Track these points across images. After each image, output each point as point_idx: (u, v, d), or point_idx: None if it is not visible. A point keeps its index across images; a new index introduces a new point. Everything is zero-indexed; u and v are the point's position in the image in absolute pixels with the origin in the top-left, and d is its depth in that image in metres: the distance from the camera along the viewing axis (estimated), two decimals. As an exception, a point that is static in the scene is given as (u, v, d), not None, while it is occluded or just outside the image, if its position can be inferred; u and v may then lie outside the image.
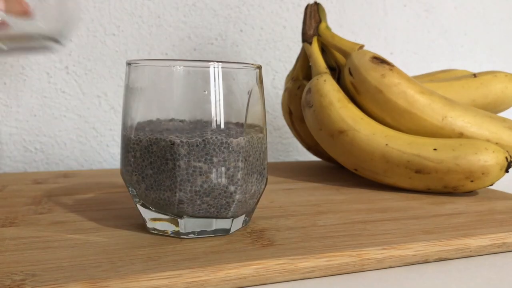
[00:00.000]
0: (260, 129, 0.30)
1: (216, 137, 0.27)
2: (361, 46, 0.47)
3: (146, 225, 0.30)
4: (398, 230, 0.31)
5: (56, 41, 0.37)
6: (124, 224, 0.31)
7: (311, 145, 0.55)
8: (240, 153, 0.28)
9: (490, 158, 0.40)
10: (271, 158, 0.71)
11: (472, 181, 0.40)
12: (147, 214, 0.29)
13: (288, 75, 0.56)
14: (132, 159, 0.28)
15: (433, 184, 0.41)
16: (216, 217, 0.28)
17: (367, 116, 0.44)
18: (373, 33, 0.76)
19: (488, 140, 0.42)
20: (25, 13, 0.37)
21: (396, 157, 0.42)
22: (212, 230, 0.29)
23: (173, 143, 0.27)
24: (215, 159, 0.27)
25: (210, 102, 0.27)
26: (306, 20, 0.51)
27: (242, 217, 0.30)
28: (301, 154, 0.72)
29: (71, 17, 0.37)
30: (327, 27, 0.51)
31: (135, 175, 0.28)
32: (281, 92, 0.70)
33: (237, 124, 0.29)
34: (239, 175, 0.28)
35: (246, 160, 0.28)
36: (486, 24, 0.83)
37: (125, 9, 0.62)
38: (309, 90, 0.47)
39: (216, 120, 0.27)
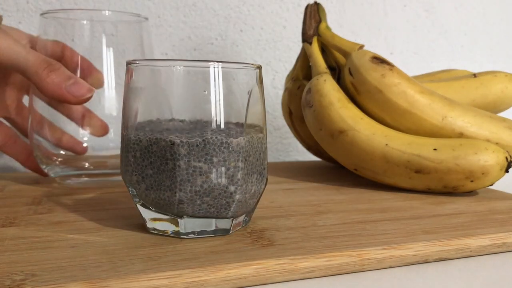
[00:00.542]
0: (260, 129, 0.30)
1: (216, 137, 0.27)
2: (361, 46, 0.47)
3: (146, 225, 0.30)
4: (398, 230, 0.31)
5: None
6: (124, 224, 0.31)
7: (311, 145, 0.55)
8: (240, 153, 0.28)
9: (490, 158, 0.40)
10: (271, 158, 0.71)
11: (472, 181, 0.40)
12: (147, 214, 0.29)
13: (288, 75, 0.56)
14: (132, 159, 0.28)
15: (433, 184, 0.41)
16: (216, 217, 0.28)
17: (367, 116, 0.44)
18: (373, 33, 0.76)
19: (488, 140, 0.42)
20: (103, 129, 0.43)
21: (396, 157, 0.42)
22: (212, 230, 0.29)
23: (173, 143, 0.27)
24: (215, 159, 0.27)
25: (210, 102, 0.27)
26: (306, 20, 0.51)
27: (242, 217, 0.30)
28: (301, 154, 0.72)
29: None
30: (327, 27, 0.51)
31: (135, 175, 0.28)
32: (281, 92, 0.70)
33: (237, 124, 0.29)
34: (239, 175, 0.28)
35: (246, 160, 0.28)
36: (486, 24, 0.83)
37: (125, 9, 0.62)
38: (309, 90, 0.47)
39: (216, 120, 0.27)
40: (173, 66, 0.28)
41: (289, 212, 0.35)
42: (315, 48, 0.50)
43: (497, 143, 0.42)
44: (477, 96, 0.49)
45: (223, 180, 0.27)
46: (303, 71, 0.54)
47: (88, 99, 0.36)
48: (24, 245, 0.27)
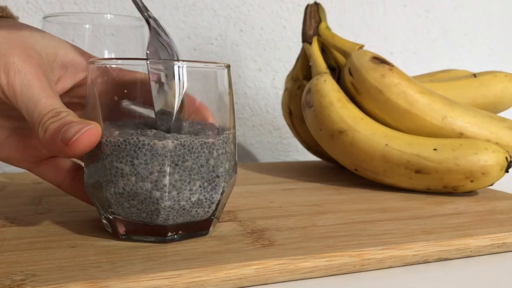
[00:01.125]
0: (218, 132, 0.28)
1: (138, 138, 0.26)
2: (361, 46, 0.47)
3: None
4: (398, 230, 0.31)
5: None
6: (124, 224, 0.31)
7: (311, 145, 0.55)
8: (167, 157, 0.26)
9: (490, 158, 0.40)
10: (271, 158, 0.71)
11: (472, 181, 0.40)
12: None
13: (288, 75, 0.56)
14: (84, 155, 0.28)
15: (433, 184, 0.41)
16: (150, 223, 0.27)
17: (367, 116, 0.44)
18: (373, 33, 0.76)
19: (488, 140, 0.42)
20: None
21: (396, 157, 0.42)
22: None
23: (100, 142, 0.26)
24: (136, 161, 0.26)
25: (159, 100, 0.26)
26: (306, 20, 0.51)
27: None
28: (301, 154, 0.72)
29: None
30: (327, 27, 0.51)
31: (85, 169, 0.28)
32: (281, 92, 0.70)
33: (193, 125, 0.27)
34: (165, 181, 0.26)
35: (178, 165, 0.26)
36: (486, 24, 0.83)
37: (125, 9, 0.62)
38: (309, 90, 0.47)
39: (163, 119, 0.26)
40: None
41: (289, 212, 0.35)
42: (315, 48, 0.50)
43: (497, 143, 0.42)
44: (477, 96, 0.49)
45: (147, 185, 0.26)
46: (303, 71, 0.54)
47: (84, 146, 0.25)
48: (24, 245, 0.27)
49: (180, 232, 0.28)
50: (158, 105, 0.27)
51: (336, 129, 0.44)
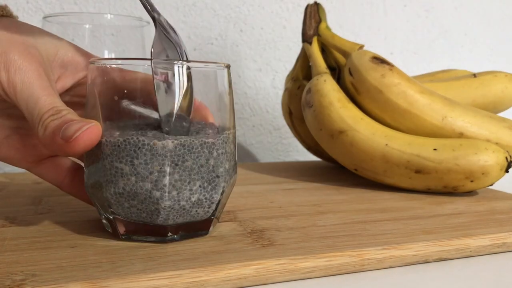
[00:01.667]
0: (217, 132, 0.28)
1: (138, 138, 0.26)
2: (361, 46, 0.47)
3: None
4: (398, 230, 0.31)
5: None
6: (124, 224, 0.31)
7: (311, 145, 0.55)
8: (167, 157, 0.26)
9: (490, 158, 0.40)
10: (271, 158, 0.71)
11: (472, 181, 0.40)
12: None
13: (288, 75, 0.56)
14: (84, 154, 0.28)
15: (433, 184, 0.41)
16: (150, 223, 0.27)
17: (367, 116, 0.44)
18: (373, 33, 0.76)
19: (488, 140, 0.42)
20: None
21: (396, 157, 0.42)
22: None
23: (100, 142, 0.26)
24: (136, 161, 0.26)
25: (162, 100, 0.26)
26: (306, 20, 0.51)
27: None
28: (301, 154, 0.72)
29: None
30: (327, 27, 0.51)
31: (85, 168, 0.28)
32: (281, 92, 0.70)
33: (186, 124, 0.27)
34: (165, 181, 0.26)
35: (178, 165, 0.26)
36: (486, 24, 0.83)
37: (125, 9, 0.62)
38: (309, 90, 0.47)
39: (163, 119, 0.26)
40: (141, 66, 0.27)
41: (289, 212, 0.35)
42: (315, 48, 0.50)
43: (497, 143, 0.42)
44: (477, 96, 0.49)
45: (147, 185, 0.26)
46: (303, 71, 0.54)
47: (84, 144, 0.25)
48: (24, 245, 0.27)
49: (180, 232, 0.28)
50: (163, 106, 0.26)
51: (336, 129, 0.44)
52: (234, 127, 0.30)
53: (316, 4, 0.52)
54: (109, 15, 0.44)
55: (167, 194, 0.26)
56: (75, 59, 0.30)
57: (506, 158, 0.40)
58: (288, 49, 0.71)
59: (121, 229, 0.27)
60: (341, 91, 0.46)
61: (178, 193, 0.26)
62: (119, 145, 0.26)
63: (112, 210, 0.27)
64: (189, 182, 0.26)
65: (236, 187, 0.38)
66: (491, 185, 0.41)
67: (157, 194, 0.26)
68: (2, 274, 0.23)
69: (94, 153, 0.27)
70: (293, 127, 0.55)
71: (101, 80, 0.27)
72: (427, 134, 0.43)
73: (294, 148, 0.72)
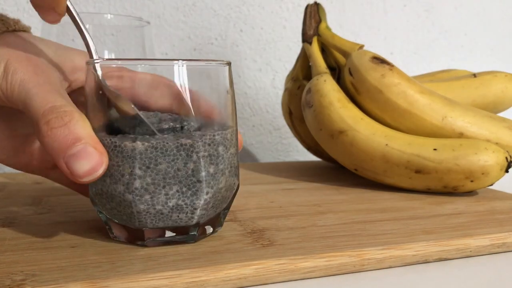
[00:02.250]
0: (198, 129, 0.27)
1: (110, 140, 0.25)
2: (361, 46, 0.47)
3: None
4: (398, 230, 0.31)
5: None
6: (124, 224, 0.31)
7: (311, 145, 0.55)
8: (137, 160, 0.25)
9: (490, 158, 0.40)
10: (271, 158, 0.71)
11: (472, 181, 0.40)
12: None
13: (288, 75, 0.56)
14: None
15: (433, 184, 0.41)
16: (131, 225, 0.26)
17: (367, 116, 0.44)
18: (373, 33, 0.76)
19: (488, 140, 0.42)
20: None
21: (396, 157, 0.42)
22: (170, 237, 0.27)
23: None
24: (109, 163, 0.25)
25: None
26: (306, 20, 0.51)
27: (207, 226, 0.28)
28: (301, 154, 0.72)
29: None
30: (327, 27, 0.51)
31: None
32: (281, 92, 0.70)
33: (177, 126, 0.27)
34: (137, 184, 0.25)
35: (149, 168, 0.25)
36: (486, 24, 0.83)
37: (125, 9, 0.62)
38: (309, 90, 0.47)
39: (148, 120, 0.26)
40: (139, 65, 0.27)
41: (289, 212, 0.35)
42: (315, 48, 0.50)
43: (497, 143, 0.42)
44: (477, 96, 0.49)
45: (119, 187, 0.25)
46: (303, 71, 0.54)
47: (94, 179, 0.25)
48: (24, 245, 0.27)
49: (161, 237, 0.27)
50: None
51: (336, 129, 0.44)
52: (235, 125, 0.29)
53: (316, 4, 0.52)
54: (109, 15, 0.44)
55: (138, 197, 0.25)
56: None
57: (506, 158, 0.40)
58: (288, 49, 0.71)
59: (116, 232, 0.27)
60: (341, 91, 0.46)
61: (152, 197, 0.25)
62: None
63: (97, 210, 0.27)
64: (164, 186, 0.25)
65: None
66: (491, 185, 0.41)
67: (129, 197, 0.25)
68: (2, 274, 0.23)
69: None
70: (293, 127, 0.55)
71: (89, 80, 0.27)
72: (427, 134, 0.43)
73: (294, 148, 0.72)
